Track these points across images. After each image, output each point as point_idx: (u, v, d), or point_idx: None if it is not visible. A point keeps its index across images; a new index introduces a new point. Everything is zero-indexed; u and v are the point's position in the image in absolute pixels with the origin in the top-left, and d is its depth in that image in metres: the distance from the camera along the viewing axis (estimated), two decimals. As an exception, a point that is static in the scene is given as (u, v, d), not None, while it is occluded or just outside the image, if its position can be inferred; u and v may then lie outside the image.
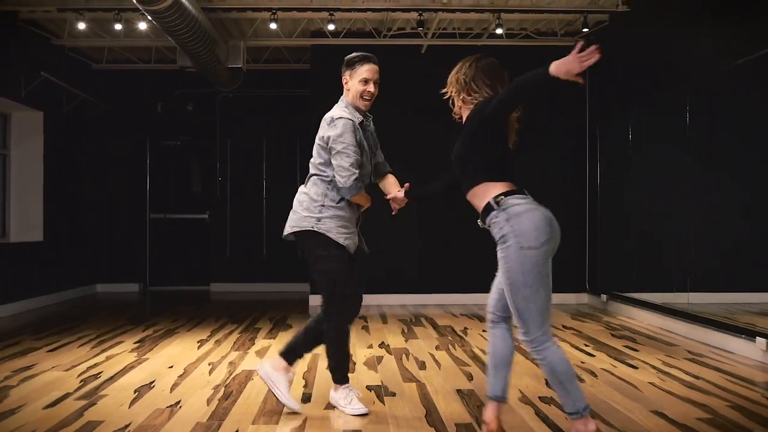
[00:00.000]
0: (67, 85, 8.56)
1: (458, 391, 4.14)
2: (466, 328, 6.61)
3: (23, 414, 3.62)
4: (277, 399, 3.64)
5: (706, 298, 6.45)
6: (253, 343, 5.75)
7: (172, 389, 4.16)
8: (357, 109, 3.64)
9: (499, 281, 3.02)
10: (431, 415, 3.63)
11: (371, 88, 3.61)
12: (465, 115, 3.10)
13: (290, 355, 3.70)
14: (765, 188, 6.06)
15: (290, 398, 3.63)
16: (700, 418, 3.55)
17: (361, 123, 3.62)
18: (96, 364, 4.87)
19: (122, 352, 5.36)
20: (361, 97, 3.61)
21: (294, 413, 3.62)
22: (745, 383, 4.30)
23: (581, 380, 4.38)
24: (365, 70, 3.59)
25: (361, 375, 4.56)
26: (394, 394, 4.06)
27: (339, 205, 3.57)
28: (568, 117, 8.60)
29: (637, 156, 7.40)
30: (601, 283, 8.20)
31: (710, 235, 6.43)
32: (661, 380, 4.40)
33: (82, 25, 7.15)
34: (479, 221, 3.01)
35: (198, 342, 5.81)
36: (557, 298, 8.43)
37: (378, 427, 3.41)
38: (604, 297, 7.94)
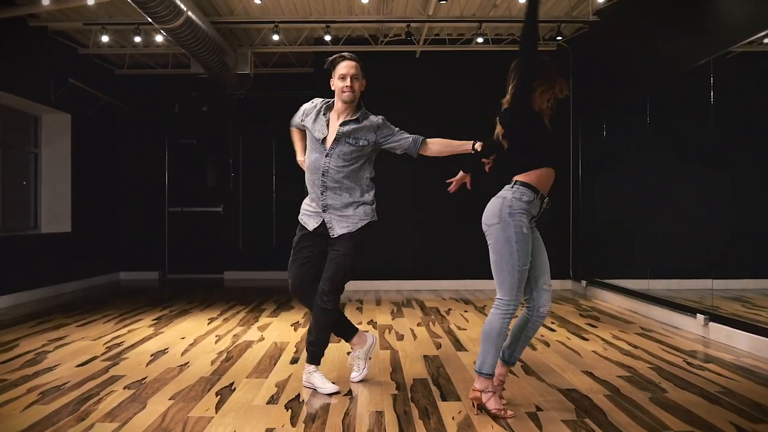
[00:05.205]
0: (92, 89, 9.35)
1: (425, 356, 4.84)
2: (450, 309, 7.29)
3: (59, 370, 4.39)
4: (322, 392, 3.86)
5: (683, 284, 6.84)
6: (257, 321, 6.49)
7: (182, 354, 4.92)
8: (341, 107, 3.87)
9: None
10: (396, 372, 4.35)
11: (348, 82, 3.79)
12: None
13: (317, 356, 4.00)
14: (732, 181, 6.55)
15: (328, 385, 3.88)
16: (621, 375, 4.23)
17: (326, 111, 3.92)
18: (119, 336, 5.64)
19: (141, 327, 6.12)
20: (342, 92, 3.82)
21: (284, 373, 4.36)
22: (674, 351, 4.97)
23: (533, 348, 5.07)
24: (341, 67, 3.82)
25: (344, 345, 5.26)
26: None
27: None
28: (554, 115, 9.20)
29: (612, 152, 8.02)
30: (582, 271, 8.85)
31: (683, 226, 6.94)
32: (603, 349, 5.07)
33: (105, 38, 7.92)
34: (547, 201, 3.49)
35: (208, 319, 6.57)
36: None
37: (349, 380, 4.13)
38: (584, 283, 8.60)
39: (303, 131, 4.11)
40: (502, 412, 3.35)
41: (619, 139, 7.84)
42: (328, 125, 3.92)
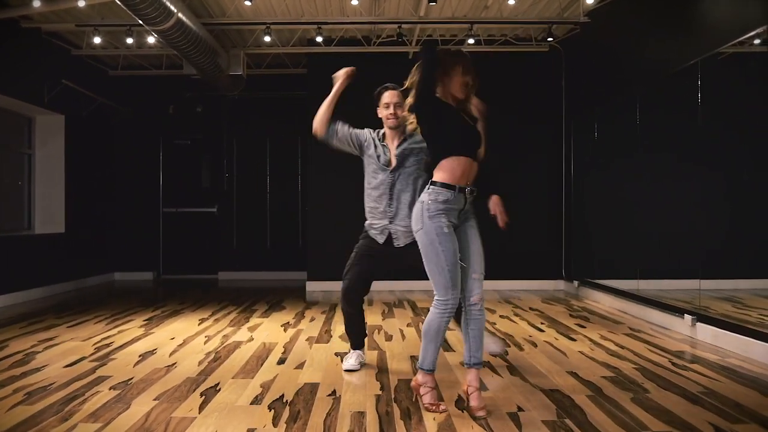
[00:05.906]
0: (86, 90, 9.36)
1: (412, 357, 4.86)
2: (441, 309, 7.29)
3: (47, 371, 4.41)
4: None
5: (674, 284, 6.84)
6: (248, 321, 6.51)
7: (171, 354, 4.94)
8: (390, 133, 4.36)
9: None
10: (381, 373, 4.37)
11: (391, 110, 4.29)
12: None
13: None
14: (723, 181, 6.55)
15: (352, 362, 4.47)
16: (605, 376, 4.25)
17: (383, 138, 4.40)
18: (109, 337, 5.66)
19: (132, 327, 6.15)
20: (387, 119, 4.32)
21: (270, 373, 4.39)
22: (660, 351, 4.99)
23: (520, 349, 5.10)
24: (385, 97, 4.33)
25: (333, 345, 5.29)
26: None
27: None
28: (546, 115, 9.24)
29: (603, 152, 8.03)
30: (574, 271, 8.87)
31: (674, 226, 6.93)
32: (590, 349, 5.09)
33: (98, 40, 7.93)
34: (470, 191, 3.53)
35: (199, 320, 6.59)
36: (536, 284, 9.18)
37: (335, 381, 4.15)
38: (575, 283, 8.62)
39: (342, 132, 4.45)
40: (434, 407, 3.52)
41: (610, 140, 7.85)
42: (386, 149, 4.37)
